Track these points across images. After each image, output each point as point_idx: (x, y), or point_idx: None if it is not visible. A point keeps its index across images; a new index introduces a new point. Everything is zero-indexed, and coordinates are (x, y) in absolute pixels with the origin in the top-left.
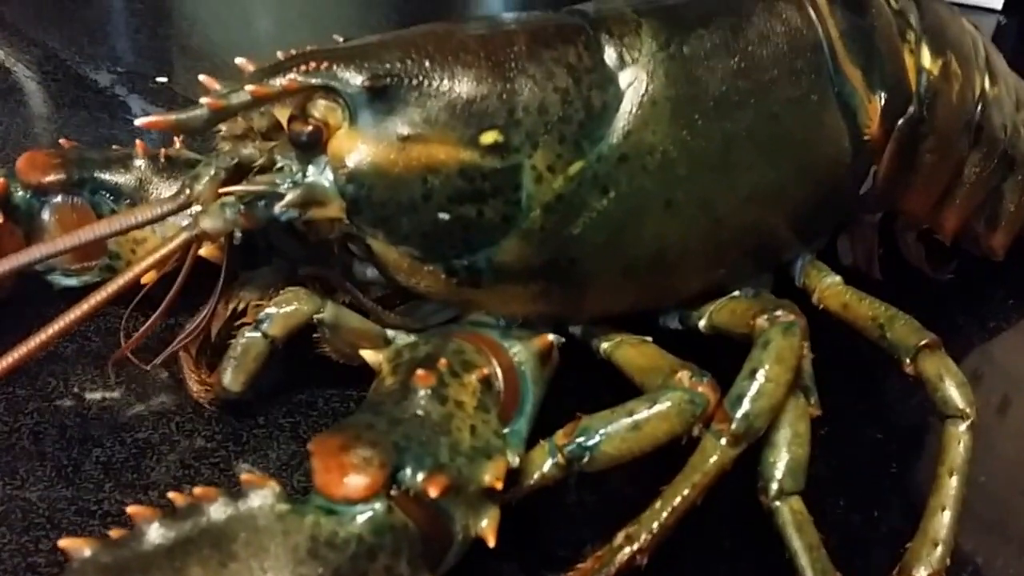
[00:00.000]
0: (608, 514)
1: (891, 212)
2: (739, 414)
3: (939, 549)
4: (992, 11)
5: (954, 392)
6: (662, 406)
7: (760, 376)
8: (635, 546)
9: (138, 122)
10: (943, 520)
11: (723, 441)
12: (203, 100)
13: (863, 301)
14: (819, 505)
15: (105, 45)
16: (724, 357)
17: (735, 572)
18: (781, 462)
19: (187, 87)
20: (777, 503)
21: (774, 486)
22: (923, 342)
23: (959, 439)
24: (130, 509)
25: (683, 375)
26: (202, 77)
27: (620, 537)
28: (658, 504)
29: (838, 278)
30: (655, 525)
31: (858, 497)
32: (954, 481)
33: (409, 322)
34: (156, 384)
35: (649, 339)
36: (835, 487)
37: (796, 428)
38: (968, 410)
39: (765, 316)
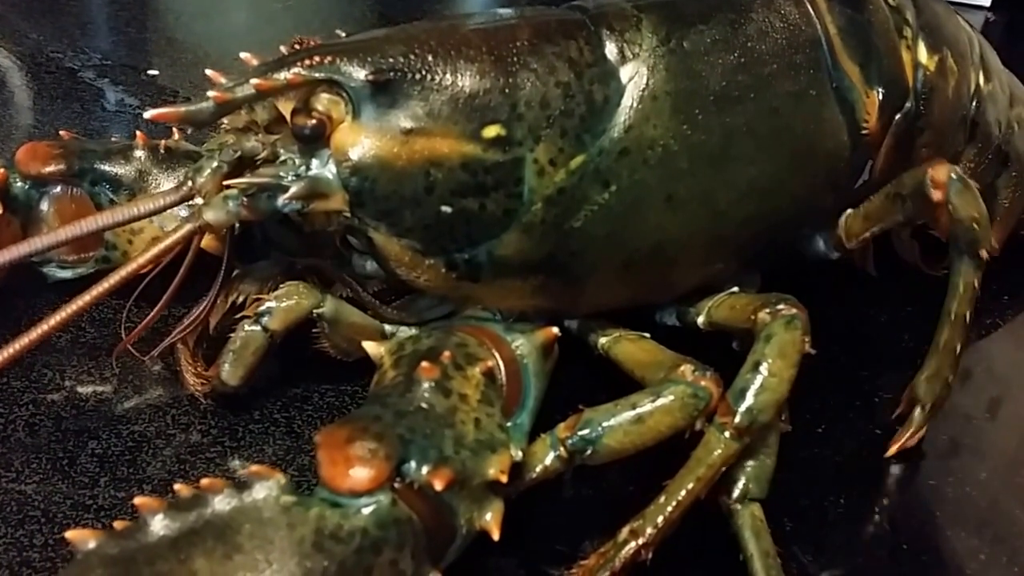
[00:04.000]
0: (607, 509)
1: None
2: (743, 408)
3: (945, 380)
4: (980, 7)
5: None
6: (665, 399)
7: (763, 370)
8: (640, 541)
9: (147, 115)
10: (948, 354)
11: (727, 435)
12: (209, 93)
13: None
14: (818, 503)
15: (96, 38)
16: (719, 357)
17: (736, 571)
18: (750, 468)
19: (173, 80)
20: (738, 506)
21: (738, 490)
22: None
23: (970, 277)
24: (136, 500)
25: (686, 369)
26: (208, 71)
27: (624, 532)
28: (662, 498)
29: None
30: (659, 519)
31: (857, 495)
32: (960, 319)
33: (406, 316)
34: (151, 377)
35: (647, 335)
36: (834, 485)
37: (767, 439)
38: (991, 251)
39: (767, 310)
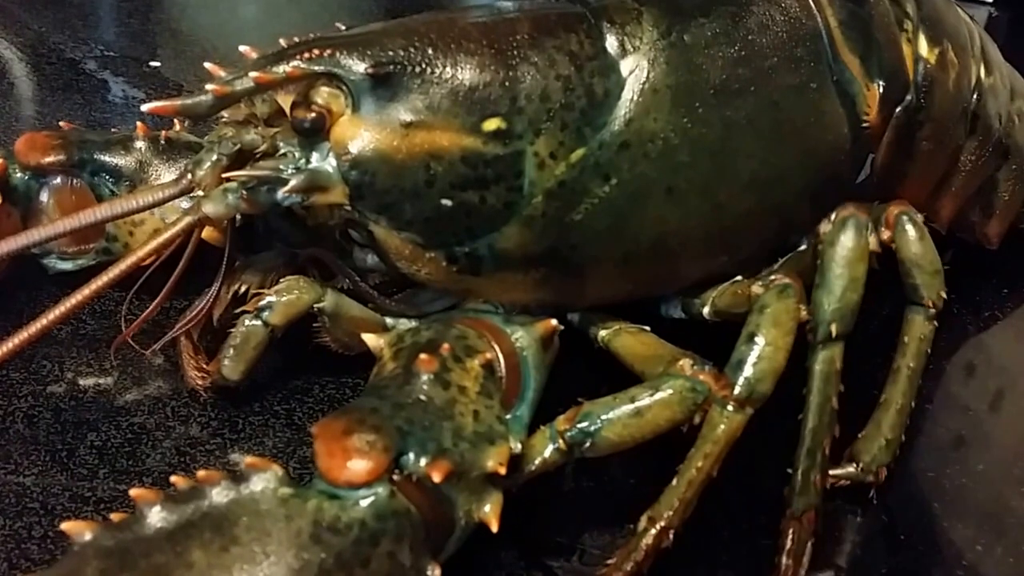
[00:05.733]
0: (607, 501)
1: (887, 201)
2: (741, 378)
3: (889, 444)
4: (983, 3)
5: (923, 279)
6: (664, 393)
7: (759, 340)
8: (659, 525)
9: (144, 107)
10: (893, 416)
11: (729, 408)
12: (208, 86)
13: None
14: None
15: (98, 29)
16: (719, 351)
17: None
18: (834, 304)
19: (177, 72)
20: (820, 348)
21: (823, 329)
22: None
23: (916, 325)
24: (132, 492)
25: (684, 363)
26: (208, 64)
27: (643, 520)
28: (675, 481)
29: None
30: (675, 501)
31: (856, 487)
32: (909, 376)
33: (407, 309)
34: (151, 369)
35: (647, 328)
36: None
37: (854, 271)
38: (934, 300)
39: (760, 282)
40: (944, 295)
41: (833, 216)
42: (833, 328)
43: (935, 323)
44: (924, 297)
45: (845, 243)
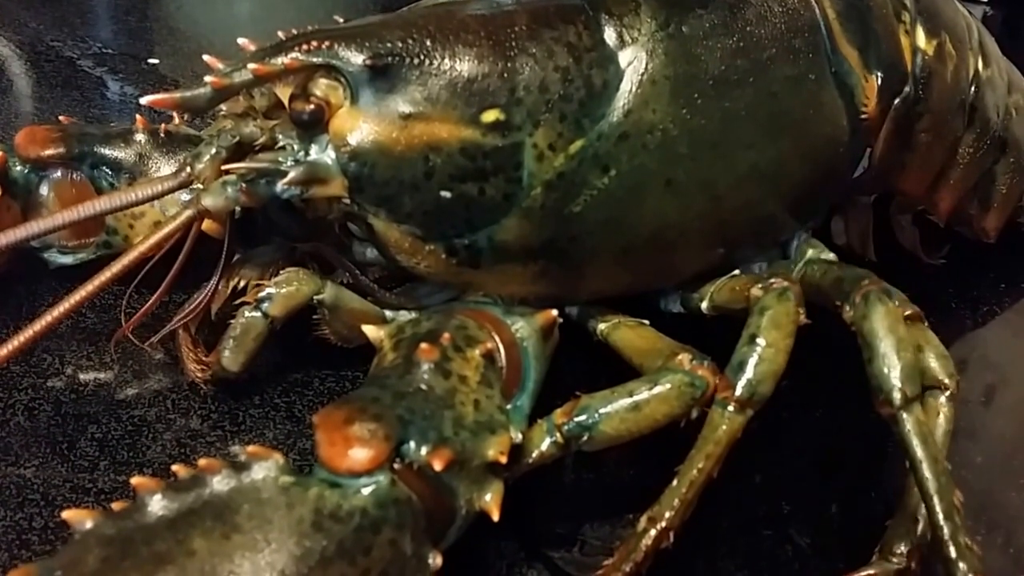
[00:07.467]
0: (607, 492)
1: (886, 194)
2: (742, 380)
3: (920, 524)
4: (979, 2)
5: (934, 363)
6: (662, 388)
7: (760, 342)
8: (659, 526)
9: (143, 100)
10: (921, 495)
11: (730, 409)
12: (207, 79)
13: None
14: (816, 487)
15: (96, 27)
16: (719, 347)
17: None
18: (895, 369)
19: (174, 69)
20: (902, 413)
21: (897, 395)
22: (906, 313)
23: (938, 410)
24: (133, 480)
25: (683, 358)
26: (206, 57)
27: (643, 521)
28: (675, 482)
29: (832, 255)
30: (675, 502)
31: (855, 479)
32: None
33: (407, 302)
34: (152, 362)
35: (646, 322)
36: (832, 470)
37: (897, 333)
38: (948, 381)
39: (759, 285)
40: (956, 376)
41: (852, 298)
42: (908, 390)
43: (953, 403)
44: (936, 379)
45: (878, 313)
